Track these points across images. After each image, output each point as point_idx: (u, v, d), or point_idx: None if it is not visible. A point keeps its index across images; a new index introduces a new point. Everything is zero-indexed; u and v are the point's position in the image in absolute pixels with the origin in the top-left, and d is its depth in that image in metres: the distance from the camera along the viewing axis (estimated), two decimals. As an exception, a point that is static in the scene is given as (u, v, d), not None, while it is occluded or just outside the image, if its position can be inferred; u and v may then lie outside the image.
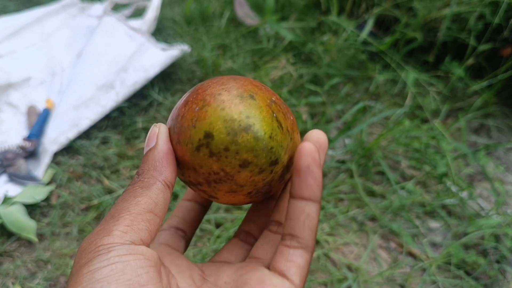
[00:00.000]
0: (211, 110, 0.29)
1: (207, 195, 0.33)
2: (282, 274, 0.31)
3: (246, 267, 0.33)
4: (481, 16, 1.32)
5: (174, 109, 0.33)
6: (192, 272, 0.33)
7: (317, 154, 0.31)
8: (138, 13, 1.57)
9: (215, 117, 0.29)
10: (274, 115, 0.31)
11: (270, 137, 0.30)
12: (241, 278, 0.32)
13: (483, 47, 1.32)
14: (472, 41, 1.32)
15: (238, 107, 0.29)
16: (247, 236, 0.38)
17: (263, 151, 0.30)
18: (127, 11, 1.56)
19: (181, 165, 0.32)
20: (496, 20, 1.28)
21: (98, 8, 1.51)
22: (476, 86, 1.33)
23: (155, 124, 0.32)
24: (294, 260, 0.31)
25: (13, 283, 0.86)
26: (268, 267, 0.32)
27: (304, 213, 0.31)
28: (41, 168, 1.05)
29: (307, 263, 0.31)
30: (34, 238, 0.92)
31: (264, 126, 0.30)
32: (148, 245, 0.27)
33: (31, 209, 0.97)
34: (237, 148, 0.29)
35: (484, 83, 1.32)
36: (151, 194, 0.28)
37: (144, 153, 0.31)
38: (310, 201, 0.31)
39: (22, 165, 1.05)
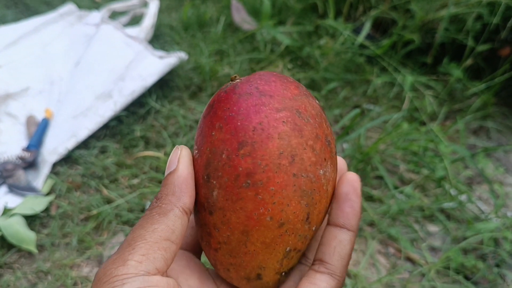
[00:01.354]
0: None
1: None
2: None
3: None
4: (479, 17, 1.31)
5: (212, 130, 0.30)
6: (204, 284, 0.33)
7: (358, 185, 0.31)
8: (136, 20, 1.57)
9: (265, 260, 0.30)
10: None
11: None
12: None
13: (481, 47, 1.31)
14: (470, 42, 1.31)
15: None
16: None
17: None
18: (124, 19, 1.56)
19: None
20: (494, 20, 1.27)
21: (95, 16, 1.51)
22: (475, 87, 1.33)
23: (177, 146, 0.31)
24: (318, 284, 0.30)
25: (13, 295, 0.86)
26: None
27: (336, 240, 0.31)
28: (40, 179, 1.06)
29: None
30: (34, 249, 0.92)
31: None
32: (163, 273, 0.27)
33: (31, 220, 0.97)
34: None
35: (482, 85, 1.32)
36: (168, 222, 0.27)
37: (165, 176, 0.31)
38: (344, 228, 0.31)
39: (21, 176, 1.06)
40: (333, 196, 0.32)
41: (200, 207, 0.31)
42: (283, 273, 0.32)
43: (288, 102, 0.29)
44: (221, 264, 0.31)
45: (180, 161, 0.30)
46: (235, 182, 0.28)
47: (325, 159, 0.30)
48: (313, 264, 0.31)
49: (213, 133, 0.29)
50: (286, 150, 0.28)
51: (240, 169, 0.28)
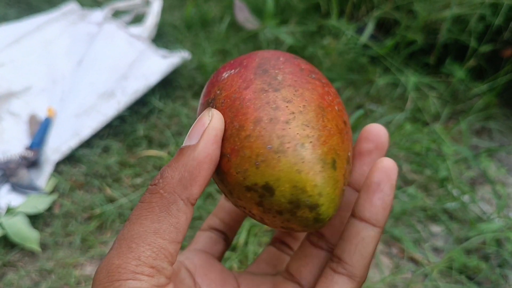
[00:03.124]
0: (285, 164, 0.25)
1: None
2: None
3: (281, 284, 0.31)
4: (481, 18, 1.31)
5: (231, 87, 0.28)
6: (226, 287, 0.31)
7: (394, 175, 0.27)
8: (138, 19, 1.57)
9: (286, 175, 0.25)
10: (344, 187, 0.27)
11: (330, 218, 0.27)
12: None
13: (484, 48, 1.31)
14: (473, 43, 1.31)
15: (316, 177, 0.25)
16: (282, 246, 0.35)
17: (314, 227, 0.27)
18: (127, 18, 1.56)
19: (220, 175, 0.27)
20: (497, 21, 1.27)
21: (98, 15, 1.51)
22: (477, 88, 1.33)
23: (209, 109, 0.26)
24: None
25: (17, 294, 0.87)
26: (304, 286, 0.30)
27: (359, 236, 0.27)
28: (43, 178, 1.06)
29: None
30: (37, 248, 0.92)
31: (331, 209, 0.26)
32: (170, 277, 0.24)
33: (34, 219, 0.98)
34: (290, 218, 0.26)
35: (484, 86, 1.32)
36: (172, 219, 0.24)
37: (181, 147, 0.26)
38: (369, 224, 0.27)
39: (24, 174, 1.06)
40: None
41: (259, 94, 0.27)
42: (344, 186, 0.27)
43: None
44: (294, 137, 0.25)
45: (205, 135, 0.25)
46: (301, 72, 0.29)
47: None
48: (331, 260, 0.28)
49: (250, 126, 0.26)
50: (309, 139, 0.26)
51: (303, 66, 0.29)
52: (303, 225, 0.26)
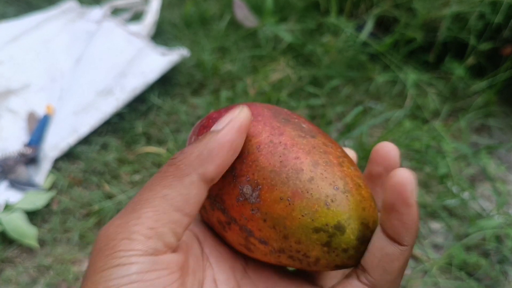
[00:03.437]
0: (353, 202, 0.26)
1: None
2: None
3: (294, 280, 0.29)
4: (481, 16, 1.31)
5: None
6: (235, 262, 0.30)
7: (409, 191, 0.23)
8: (137, 17, 1.57)
9: (355, 213, 0.26)
10: None
11: None
12: None
13: (483, 46, 1.31)
14: (472, 41, 1.31)
15: (374, 213, 0.27)
16: None
17: None
18: (126, 15, 1.56)
19: (271, 220, 0.27)
20: (496, 19, 1.27)
21: (97, 13, 1.51)
22: (477, 85, 1.33)
23: (242, 105, 0.27)
24: None
25: (14, 290, 0.86)
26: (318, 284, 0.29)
27: (383, 252, 0.25)
28: (41, 174, 1.06)
29: None
30: (35, 244, 0.92)
31: None
32: (173, 250, 0.24)
33: (32, 215, 0.97)
34: (354, 255, 0.26)
35: (484, 83, 1.32)
36: (182, 188, 0.24)
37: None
38: (394, 241, 0.25)
39: (23, 171, 1.06)
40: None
41: (299, 140, 0.28)
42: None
43: None
44: (352, 178, 0.27)
45: (230, 124, 0.25)
46: (311, 123, 0.31)
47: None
48: (357, 266, 0.27)
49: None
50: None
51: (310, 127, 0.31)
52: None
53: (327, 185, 0.26)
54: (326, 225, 0.25)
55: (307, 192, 0.26)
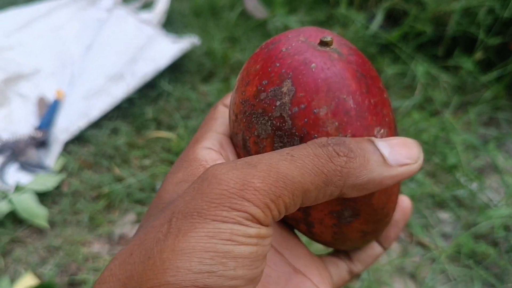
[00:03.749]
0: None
1: None
2: None
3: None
4: (490, 10, 1.31)
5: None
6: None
7: (410, 213, 0.31)
8: (148, 5, 1.58)
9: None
10: None
11: None
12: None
13: (492, 41, 1.31)
14: (481, 35, 1.31)
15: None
16: None
17: None
18: (137, 4, 1.57)
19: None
20: (506, 14, 1.27)
21: (108, 1, 1.51)
22: (485, 78, 1.33)
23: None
24: (332, 271, 0.29)
25: (25, 269, 0.87)
26: None
27: (372, 251, 0.31)
28: (52, 157, 1.06)
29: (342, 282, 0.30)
30: (45, 225, 0.92)
31: None
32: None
33: (43, 197, 0.98)
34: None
35: (494, 74, 1.32)
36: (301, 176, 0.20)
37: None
38: (380, 246, 0.31)
39: (33, 154, 1.06)
40: None
41: None
42: None
43: None
44: None
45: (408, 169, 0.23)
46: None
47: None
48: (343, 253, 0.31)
49: (385, 95, 0.25)
50: None
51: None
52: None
53: None
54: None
55: None
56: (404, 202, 0.30)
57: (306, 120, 0.22)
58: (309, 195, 0.20)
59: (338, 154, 0.20)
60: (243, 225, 0.18)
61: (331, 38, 0.23)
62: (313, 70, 0.23)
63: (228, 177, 0.19)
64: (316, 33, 0.25)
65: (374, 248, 0.31)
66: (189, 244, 0.17)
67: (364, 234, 0.27)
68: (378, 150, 0.21)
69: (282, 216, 0.20)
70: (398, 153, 0.22)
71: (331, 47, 0.23)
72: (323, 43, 0.23)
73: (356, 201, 0.24)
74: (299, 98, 0.22)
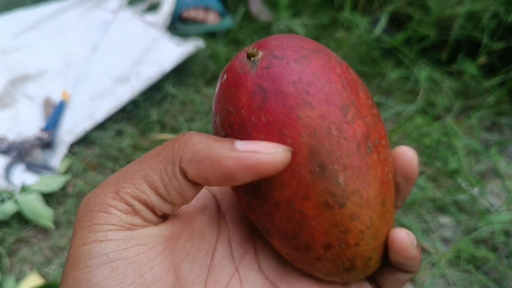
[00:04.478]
0: (354, 276, 0.26)
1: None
2: None
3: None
4: (494, 15, 1.32)
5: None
6: (252, 226, 0.28)
7: (414, 170, 0.26)
8: (153, 7, 1.59)
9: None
10: None
11: None
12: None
13: (496, 45, 1.31)
14: (485, 39, 1.32)
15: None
16: None
17: None
18: (142, 6, 1.58)
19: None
20: (510, 18, 1.27)
21: (113, 3, 1.53)
22: (488, 83, 1.33)
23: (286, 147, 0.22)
24: None
25: (30, 269, 0.88)
26: None
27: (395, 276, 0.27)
28: (57, 158, 1.08)
29: None
30: (50, 225, 0.94)
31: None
32: (156, 222, 0.22)
33: (48, 197, 0.99)
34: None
35: (497, 80, 1.32)
36: (164, 175, 0.22)
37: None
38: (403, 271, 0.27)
39: (39, 155, 1.08)
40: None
41: (323, 211, 0.23)
42: None
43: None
44: (363, 255, 0.25)
45: (254, 156, 0.21)
46: (359, 152, 0.23)
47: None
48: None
49: (300, 114, 0.22)
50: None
51: (358, 135, 0.23)
52: None
53: (333, 266, 0.26)
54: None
55: (313, 267, 0.26)
56: (402, 158, 0.26)
57: (213, 127, 0.25)
58: (151, 178, 0.21)
59: (175, 140, 0.22)
60: (100, 241, 0.20)
61: (253, 49, 0.23)
62: (222, 81, 0.24)
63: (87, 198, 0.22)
64: (296, 43, 0.24)
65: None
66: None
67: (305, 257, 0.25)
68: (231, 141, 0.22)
69: (142, 206, 0.22)
70: (251, 143, 0.21)
71: (253, 58, 0.23)
72: (248, 56, 0.23)
73: (259, 214, 0.24)
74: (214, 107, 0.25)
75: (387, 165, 0.25)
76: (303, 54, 0.23)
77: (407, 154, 0.26)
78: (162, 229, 0.22)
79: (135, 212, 0.21)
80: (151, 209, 0.22)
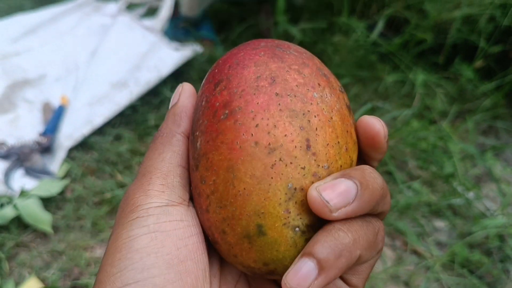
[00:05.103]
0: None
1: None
2: None
3: None
4: (491, 18, 1.32)
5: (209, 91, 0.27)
6: None
7: (379, 131, 0.28)
8: (151, 12, 1.60)
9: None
10: None
11: None
12: None
13: (492, 49, 1.32)
14: (482, 43, 1.32)
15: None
16: None
17: None
18: (141, 10, 1.59)
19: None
20: (506, 22, 1.28)
21: (112, 7, 1.54)
22: (485, 87, 1.34)
23: (180, 84, 0.31)
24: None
25: (29, 273, 0.89)
26: None
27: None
28: (56, 163, 1.09)
29: None
30: (49, 230, 0.95)
31: None
32: (188, 203, 0.26)
33: (47, 202, 1.00)
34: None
35: (492, 84, 1.33)
36: (173, 147, 0.27)
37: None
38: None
39: (38, 159, 1.09)
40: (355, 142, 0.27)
41: (191, 172, 0.27)
42: (297, 229, 0.24)
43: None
44: (216, 227, 0.25)
45: (182, 94, 0.30)
46: (214, 118, 0.25)
47: (319, 84, 0.26)
48: None
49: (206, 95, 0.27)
50: (264, 73, 0.25)
51: (217, 104, 0.25)
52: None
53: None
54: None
55: None
56: (362, 121, 0.28)
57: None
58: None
59: (157, 132, 0.30)
60: (141, 217, 0.24)
61: None
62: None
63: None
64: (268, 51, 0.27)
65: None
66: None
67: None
68: None
69: (176, 185, 0.26)
70: (173, 97, 0.31)
71: None
72: None
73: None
74: None
75: (244, 131, 0.24)
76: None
77: (371, 120, 0.28)
78: (190, 211, 0.26)
79: (170, 189, 0.25)
80: (180, 182, 0.26)
